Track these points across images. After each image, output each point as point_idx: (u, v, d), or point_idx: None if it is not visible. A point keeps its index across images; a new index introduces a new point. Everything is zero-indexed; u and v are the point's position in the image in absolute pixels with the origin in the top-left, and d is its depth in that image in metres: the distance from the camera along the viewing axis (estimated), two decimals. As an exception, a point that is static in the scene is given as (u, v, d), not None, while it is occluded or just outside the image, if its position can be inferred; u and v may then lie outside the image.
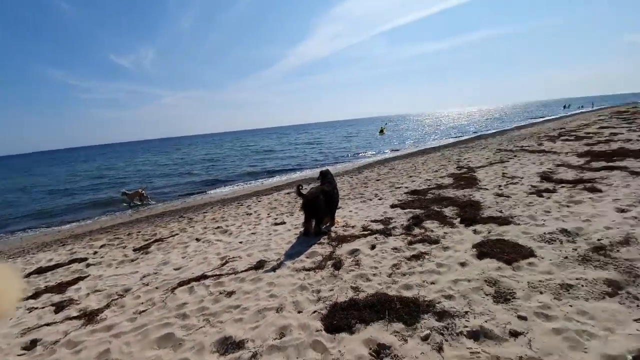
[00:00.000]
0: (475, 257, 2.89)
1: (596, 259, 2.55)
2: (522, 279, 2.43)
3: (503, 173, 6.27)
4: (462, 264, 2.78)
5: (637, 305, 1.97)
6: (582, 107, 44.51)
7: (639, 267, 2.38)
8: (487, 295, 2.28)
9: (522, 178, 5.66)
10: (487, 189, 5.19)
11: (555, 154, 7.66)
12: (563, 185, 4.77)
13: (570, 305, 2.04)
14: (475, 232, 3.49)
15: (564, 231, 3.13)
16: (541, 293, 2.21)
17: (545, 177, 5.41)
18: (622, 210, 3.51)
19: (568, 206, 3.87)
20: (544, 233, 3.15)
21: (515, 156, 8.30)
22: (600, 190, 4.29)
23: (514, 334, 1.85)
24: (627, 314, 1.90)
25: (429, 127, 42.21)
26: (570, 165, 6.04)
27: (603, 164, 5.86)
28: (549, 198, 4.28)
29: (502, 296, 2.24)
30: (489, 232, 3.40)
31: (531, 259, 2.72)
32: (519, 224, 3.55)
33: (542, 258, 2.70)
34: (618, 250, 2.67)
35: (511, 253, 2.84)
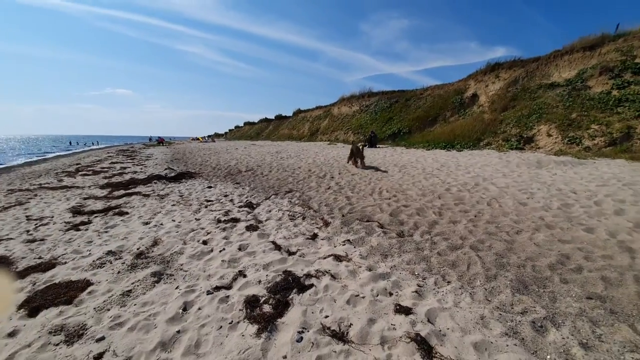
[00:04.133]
0: (27, 317, 2.35)
1: (141, 262, 3.26)
2: (87, 308, 2.45)
3: (27, 216, 5.27)
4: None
5: (173, 277, 2.91)
6: (86, 144, 48.29)
7: (159, 256, 3.44)
8: (55, 344, 2.03)
9: (52, 217, 5.20)
10: (11, 238, 4.12)
11: (80, 188, 7.87)
12: (96, 215, 5.18)
13: (135, 304, 2.50)
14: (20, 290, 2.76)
15: (110, 253, 3.53)
16: (109, 310, 2.43)
17: (76, 211, 5.46)
18: (147, 223, 4.69)
19: (106, 231, 4.34)
20: (94, 261, 3.33)
21: (36, 195, 7.24)
22: (127, 213, 5.29)
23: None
24: (171, 288, 2.74)
25: None
26: (97, 197, 6.62)
27: (122, 192, 7.14)
28: (87, 230, 4.45)
29: (73, 335, 2.13)
30: (35, 284, 2.86)
31: (90, 288, 2.79)
32: (65, 262, 3.37)
33: (99, 282, 2.90)
34: (152, 251, 3.61)
35: (68, 291, 2.70)
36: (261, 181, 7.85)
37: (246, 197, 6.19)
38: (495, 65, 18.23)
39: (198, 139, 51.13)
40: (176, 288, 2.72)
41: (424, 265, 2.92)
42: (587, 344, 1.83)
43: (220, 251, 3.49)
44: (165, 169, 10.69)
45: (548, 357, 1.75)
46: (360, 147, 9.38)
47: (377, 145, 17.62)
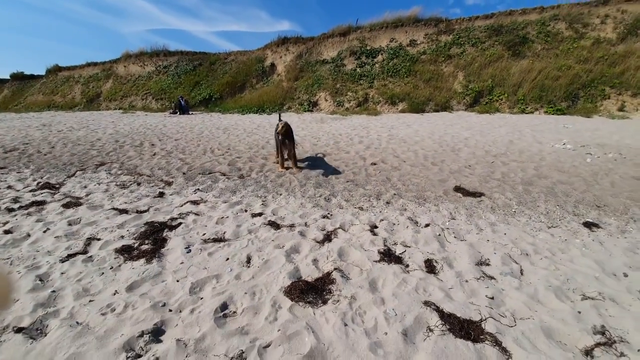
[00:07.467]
0: None
1: None
2: None
3: None
4: None
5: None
6: None
7: None
8: None
9: None
10: None
11: None
12: None
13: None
14: None
15: None
16: None
17: None
18: None
19: None
20: None
21: None
22: None
23: None
24: None
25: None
26: None
27: None
28: None
29: None
30: None
31: None
32: None
33: None
34: None
35: None
36: (46, 160, 6.03)
37: (34, 180, 4.81)
38: (285, 39, 21.25)
39: None
40: (8, 273, 2.33)
41: (263, 190, 4.06)
42: (348, 199, 3.66)
43: (44, 232, 3.01)
44: None
45: (333, 209, 3.39)
46: (279, 128, 4.63)
47: (190, 112, 16.72)
